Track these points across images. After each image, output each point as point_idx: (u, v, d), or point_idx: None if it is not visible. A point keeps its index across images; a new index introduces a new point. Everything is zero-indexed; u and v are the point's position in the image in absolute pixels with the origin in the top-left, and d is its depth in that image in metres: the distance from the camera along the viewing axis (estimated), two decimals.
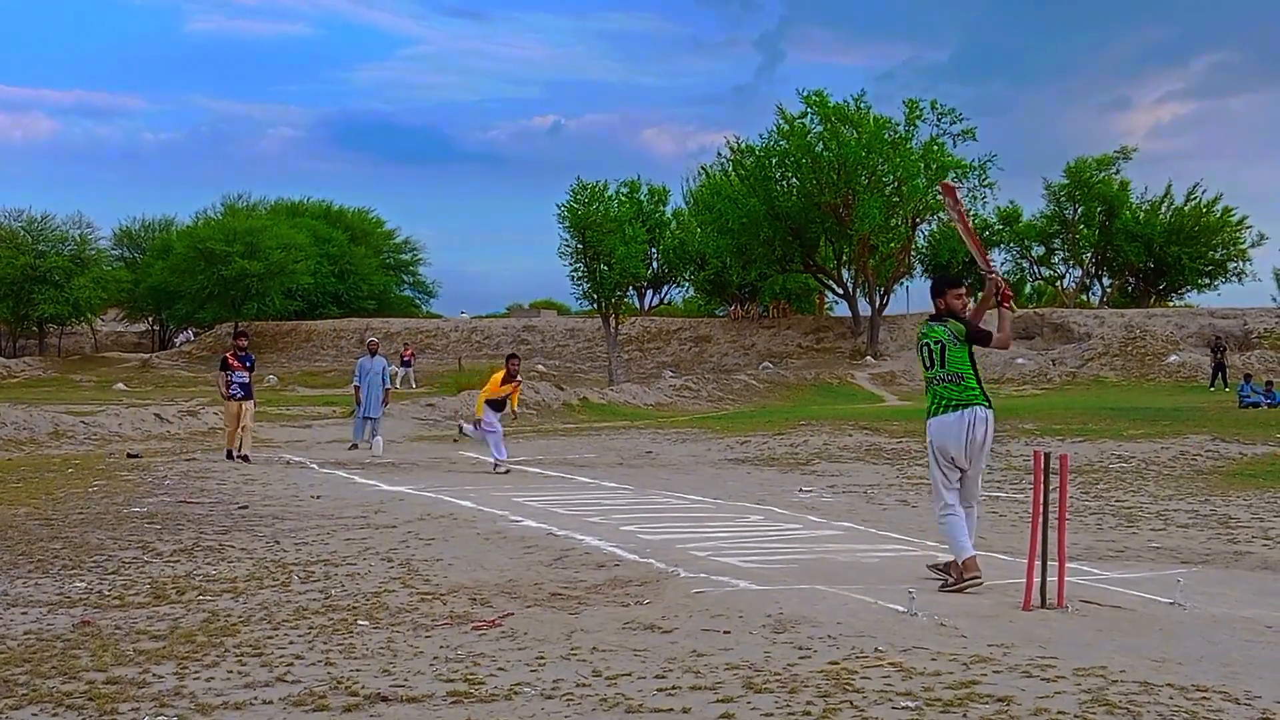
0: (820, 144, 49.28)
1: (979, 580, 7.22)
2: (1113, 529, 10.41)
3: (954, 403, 7.40)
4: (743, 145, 53.62)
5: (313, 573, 8.06)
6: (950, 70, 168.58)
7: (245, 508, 11.60)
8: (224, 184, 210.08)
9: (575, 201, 42.92)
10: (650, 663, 5.54)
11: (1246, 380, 30.01)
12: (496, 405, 16.06)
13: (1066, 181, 60.10)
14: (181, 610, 6.81)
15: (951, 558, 7.43)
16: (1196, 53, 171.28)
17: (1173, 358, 42.87)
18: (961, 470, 7.48)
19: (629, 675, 5.31)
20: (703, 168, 61.66)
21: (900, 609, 6.53)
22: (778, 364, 48.55)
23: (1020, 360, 42.93)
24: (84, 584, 7.60)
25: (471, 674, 5.35)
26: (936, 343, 7.46)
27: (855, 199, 48.17)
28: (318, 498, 12.54)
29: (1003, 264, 63.61)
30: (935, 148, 49.68)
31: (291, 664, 5.55)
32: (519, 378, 16.54)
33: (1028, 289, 69.07)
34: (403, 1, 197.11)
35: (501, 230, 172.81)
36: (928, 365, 7.54)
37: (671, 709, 4.79)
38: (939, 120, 50.15)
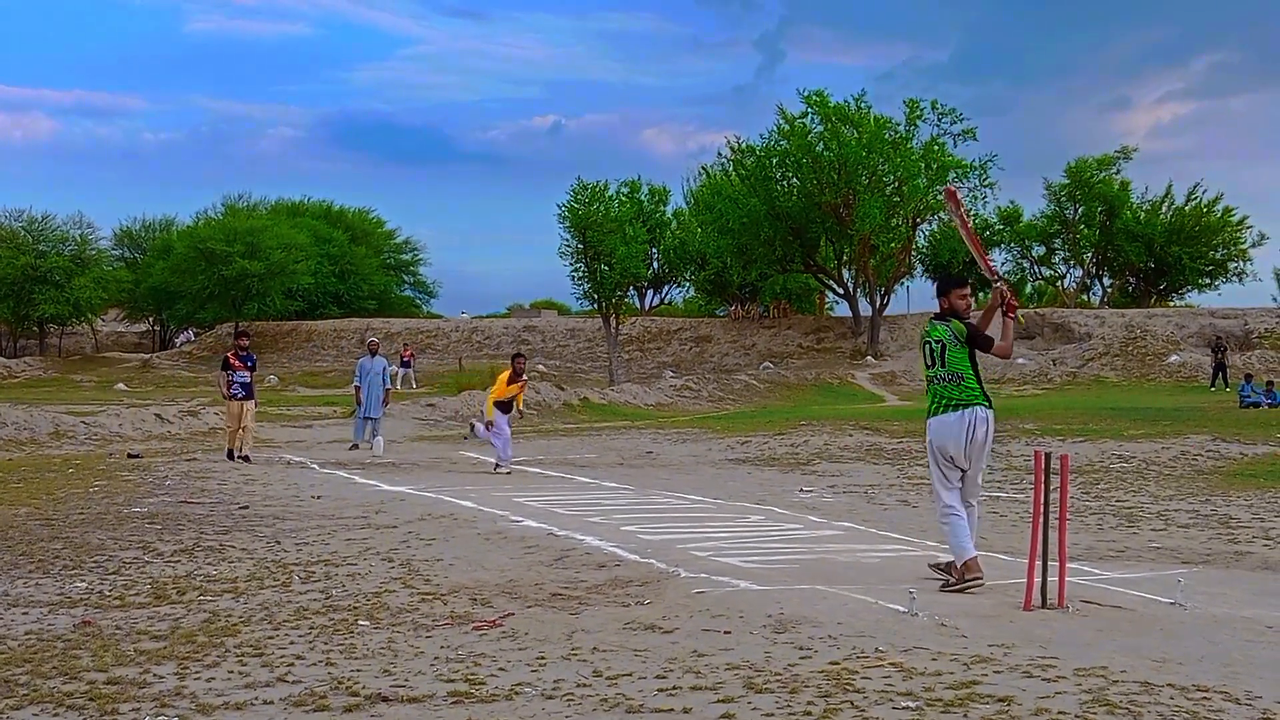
0: (821, 144, 49.26)
1: (980, 581, 7.22)
2: (1113, 529, 10.42)
3: (954, 402, 7.40)
4: (743, 145, 53.61)
5: (313, 573, 8.06)
6: (950, 70, 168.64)
7: (246, 508, 11.60)
8: (224, 184, 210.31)
9: (575, 201, 42.91)
10: (651, 663, 5.54)
11: (1247, 380, 30.01)
12: (504, 406, 16.04)
13: (1067, 181, 60.08)
14: (182, 610, 6.81)
15: (952, 557, 7.43)
16: (1196, 53, 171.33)
17: (1173, 358, 42.87)
18: (962, 470, 7.48)
19: (630, 675, 5.31)
20: (703, 168, 61.74)
21: (901, 609, 6.53)
22: (778, 364, 48.55)
23: (1021, 360, 42.92)
24: (85, 584, 7.61)
25: (472, 674, 5.35)
26: (938, 342, 7.47)
27: (856, 199, 48.16)
28: (318, 498, 12.54)
29: (1003, 264, 63.61)
30: (936, 148, 49.66)
31: (292, 664, 5.55)
32: (525, 376, 16.53)
33: (1028, 289, 69.02)
34: (403, 1, 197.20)
35: (501, 230, 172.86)
36: (929, 364, 7.55)
37: (672, 709, 4.79)
38: (939, 120, 50.17)
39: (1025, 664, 5.46)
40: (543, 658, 5.65)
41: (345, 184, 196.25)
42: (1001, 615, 6.58)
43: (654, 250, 57.94)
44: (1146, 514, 11.29)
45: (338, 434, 22.32)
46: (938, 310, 7.65)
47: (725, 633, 6.15)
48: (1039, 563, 6.74)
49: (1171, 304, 60.64)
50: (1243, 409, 26.64)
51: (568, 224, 43.04)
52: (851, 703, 4.85)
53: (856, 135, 48.53)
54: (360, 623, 6.47)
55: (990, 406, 7.47)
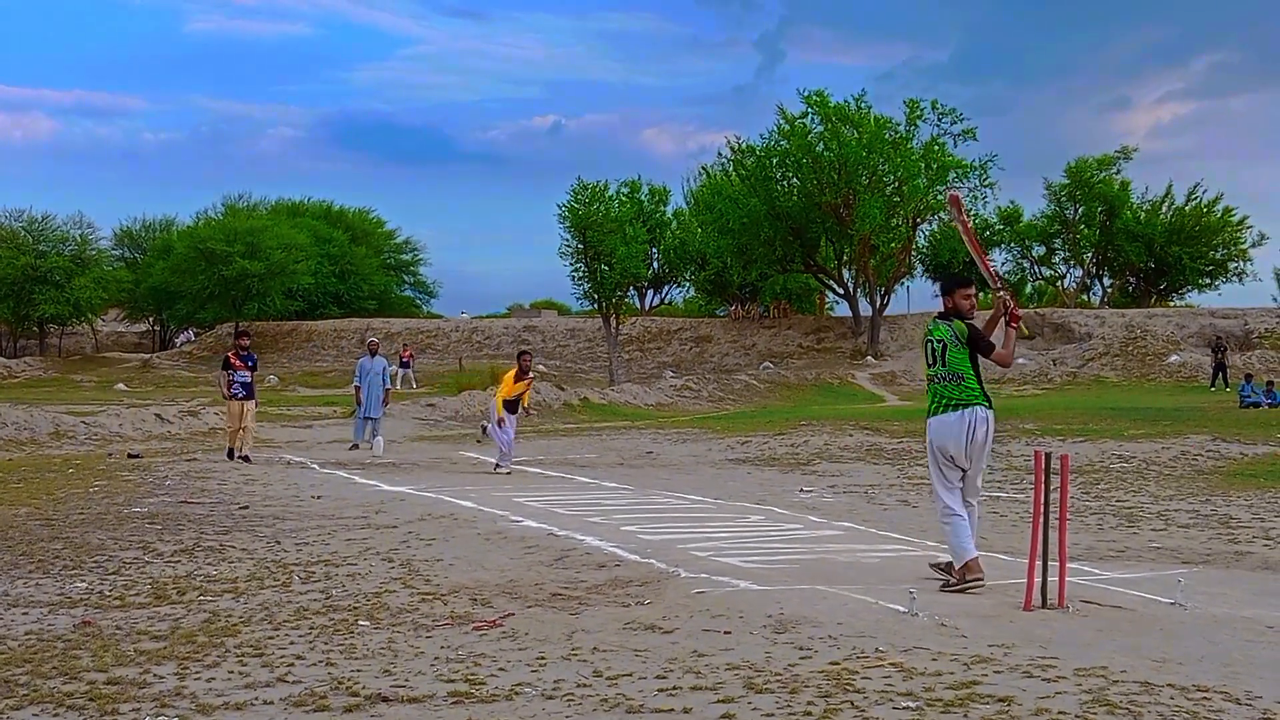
0: (821, 144, 49.26)
1: (981, 581, 7.22)
2: (1113, 529, 10.42)
3: (954, 402, 7.40)
4: (743, 145, 53.60)
5: (313, 573, 8.06)
6: (950, 70, 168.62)
7: (246, 508, 11.60)
8: (224, 184, 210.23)
9: (576, 201, 42.91)
10: (651, 663, 5.54)
11: (1247, 380, 30.01)
12: (511, 406, 16.02)
13: (1067, 181, 60.07)
14: (182, 610, 6.81)
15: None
16: (1196, 53, 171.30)
17: (1173, 358, 42.88)
18: (962, 470, 7.47)
19: (630, 675, 5.31)
20: (703, 168, 61.73)
21: (901, 609, 6.53)
22: (778, 364, 48.55)
23: (1021, 360, 42.91)
24: (85, 584, 7.61)
25: (472, 674, 5.35)
26: (939, 341, 7.47)
27: (856, 199, 48.16)
28: (318, 498, 12.54)
29: (1003, 264, 63.62)
30: (936, 148, 49.65)
31: (292, 664, 5.55)
32: (531, 374, 16.54)
33: (1028, 289, 69.03)
34: (403, 1, 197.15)
35: (501, 230, 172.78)
36: (929, 363, 7.55)
37: (672, 709, 4.79)
38: (939, 120, 50.15)
39: (1025, 664, 5.46)
40: (543, 658, 5.65)
41: (345, 184, 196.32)
42: (1002, 615, 6.58)
43: (654, 250, 57.94)
44: (1146, 514, 11.29)
45: (338, 434, 22.32)
46: (941, 309, 7.64)
47: (725, 633, 6.15)
48: (1039, 563, 6.74)
49: (1171, 304, 60.64)
50: (1243, 409, 26.64)
51: (568, 224, 43.05)
52: (851, 703, 4.85)
53: (856, 135, 48.53)
54: (360, 623, 6.47)
55: (990, 407, 7.47)
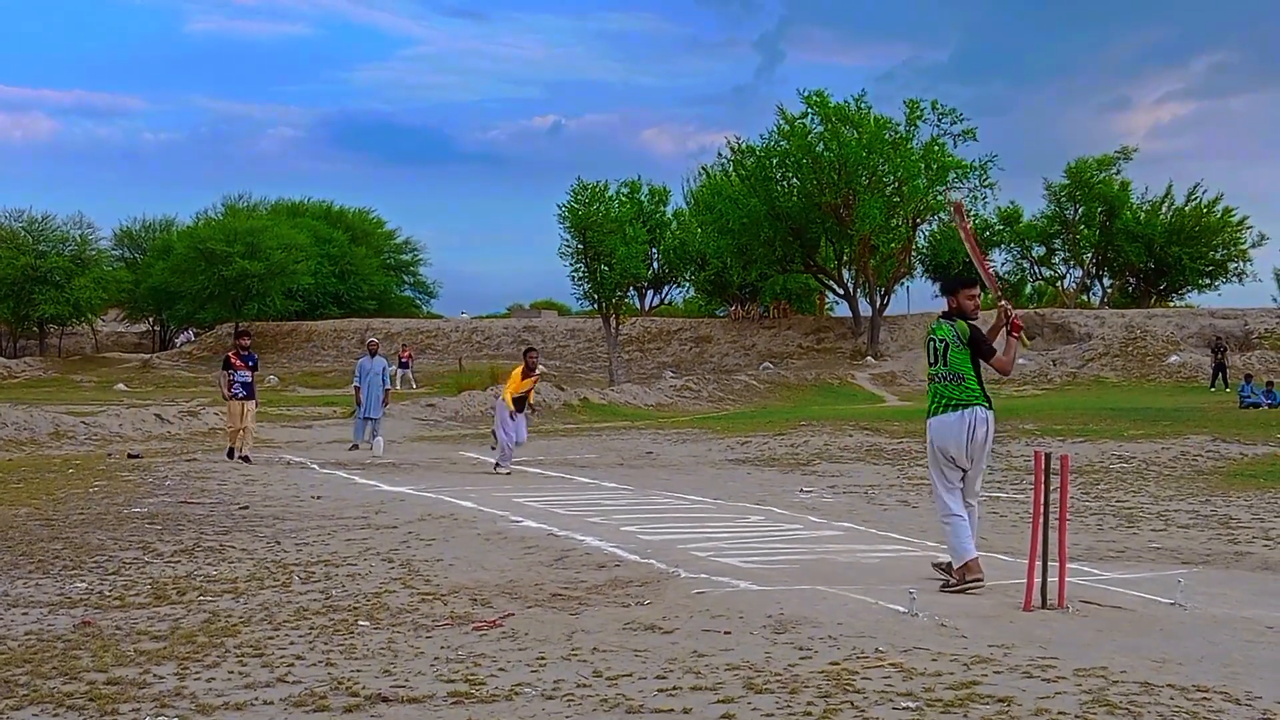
0: (821, 144, 49.26)
1: (981, 582, 7.22)
2: (1113, 529, 10.41)
3: (954, 402, 7.40)
4: (743, 145, 53.60)
5: (313, 573, 8.06)
6: (950, 70, 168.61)
7: (246, 508, 11.60)
8: (224, 184, 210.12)
9: (575, 202, 42.93)
10: (651, 663, 5.54)
11: (1247, 381, 30.02)
12: (518, 403, 16.03)
13: (1067, 182, 60.09)
14: (182, 611, 6.81)
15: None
16: (1196, 53, 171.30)
17: (1173, 358, 42.89)
18: (962, 470, 7.48)
19: (630, 676, 5.31)
20: (703, 168, 61.75)
21: (901, 609, 6.54)
22: (778, 364, 48.56)
23: (1020, 361, 42.92)
24: (85, 584, 7.61)
25: (472, 674, 5.35)
26: (941, 341, 7.48)
27: (856, 199, 48.16)
28: (318, 498, 12.54)
29: (1003, 264, 63.70)
30: (936, 148, 49.66)
31: (292, 664, 5.55)
32: (538, 371, 16.57)
33: (1028, 289, 69.06)
34: (403, 2, 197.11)
35: (501, 230, 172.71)
36: (931, 362, 7.56)
37: (672, 709, 4.79)
38: (939, 120, 50.14)
39: (1025, 664, 5.46)
40: (543, 658, 5.65)
41: (345, 184, 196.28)
42: (1001, 616, 6.58)
43: (654, 250, 57.95)
44: (1146, 514, 11.30)
45: (337, 434, 22.32)
46: (945, 309, 7.66)
47: (725, 633, 6.15)
48: (1039, 563, 6.74)
49: (1171, 304, 60.64)
50: (1242, 409, 26.65)
51: (568, 224, 43.07)
52: (851, 703, 4.85)
53: (856, 135, 48.53)
54: (360, 623, 6.47)
55: (990, 407, 7.47)
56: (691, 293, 67.08)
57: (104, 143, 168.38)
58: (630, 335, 53.66)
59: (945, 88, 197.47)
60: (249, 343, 17.77)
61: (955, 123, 50.20)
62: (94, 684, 5.19)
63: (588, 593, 7.36)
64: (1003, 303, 7.58)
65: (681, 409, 32.67)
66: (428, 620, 6.55)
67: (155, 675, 5.35)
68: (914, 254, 56.23)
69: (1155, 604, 6.93)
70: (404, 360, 43.70)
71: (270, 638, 6.10)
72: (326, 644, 5.96)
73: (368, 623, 6.48)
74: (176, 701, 4.94)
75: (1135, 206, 60.32)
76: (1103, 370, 42.81)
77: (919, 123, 49.94)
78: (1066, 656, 5.60)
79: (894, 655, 5.62)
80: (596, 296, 43.98)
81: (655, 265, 60.34)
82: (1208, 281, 60.93)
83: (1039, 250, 63.83)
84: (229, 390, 16.91)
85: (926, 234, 56.62)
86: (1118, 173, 59.66)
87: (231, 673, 5.40)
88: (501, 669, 5.46)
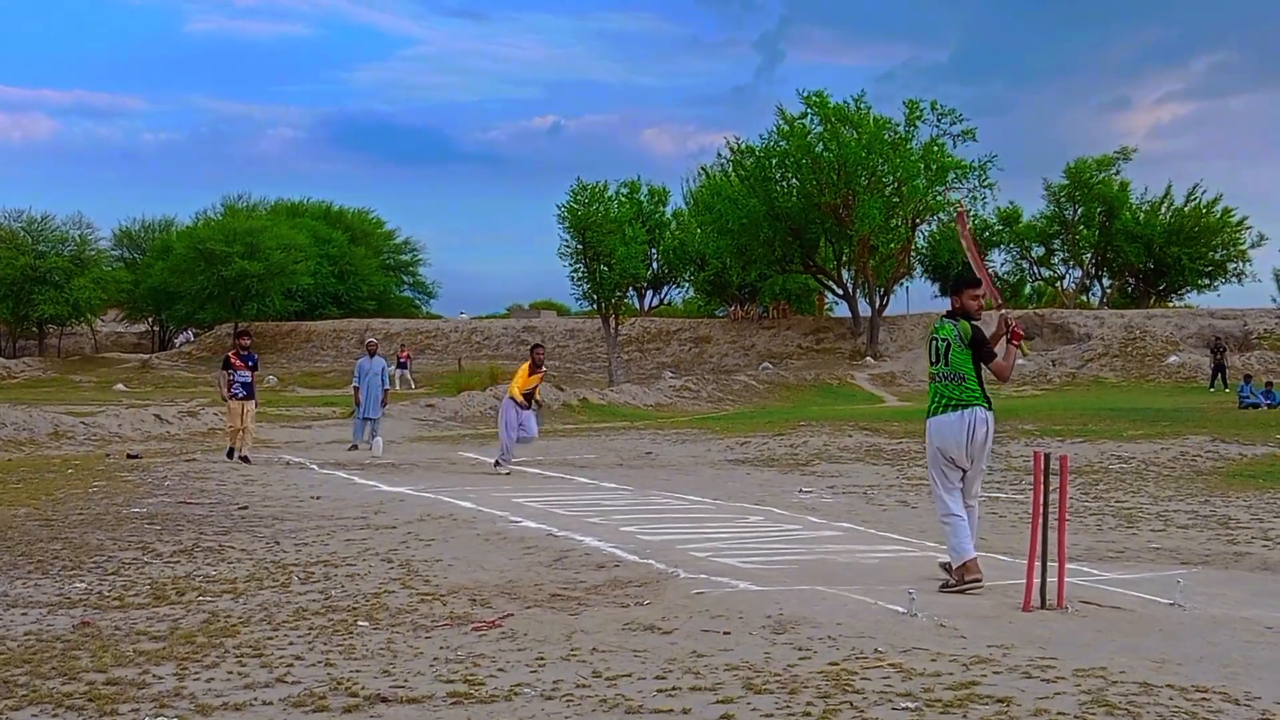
0: (820, 144, 49.26)
1: (979, 582, 7.23)
2: (1112, 530, 10.42)
3: (954, 402, 7.41)
4: (742, 146, 53.59)
5: (312, 573, 8.06)
6: (950, 70, 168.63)
7: (245, 508, 11.60)
8: (224, 184, 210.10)
9: (575, 202, 42.93)
10: (650, 663, 5.54)
11: (1246, 381, 30.03)
12: (525, 399, 16.05)
13: (1066, 182, 60.10)
14: (181, 611, 6.81)
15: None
16: (1196, 53, 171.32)
17: (1172, 358, 42.90)
18: (962, 470, 7.48)
19: (629, 676, 5.31)
20: (702, 168, 61.71)
21: (900, 610, 6.54)
22: (777, 365, 48.56)
23: (1020, 361, 42.91)
24: (84, 585, 7.60)
25: (471, 675, 5.35)
26: (943, 340, 7.49)
27: (855, 199, 48.16)
28: (317, 498, 12.54)
29: (1002, 264, 63.74)
30: (935, 148, 49.67)
31: (291, 665, 5.55)
32: (544, 367, 16.61)
33: (1027, 289, 69.09)
34: (403, 2, 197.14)
35: (501, 230, 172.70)
36: (932, 361, 7.58)
37: (671, 710, 4.79)
38: (939, 121, 50.15)
39: (1024, 665, 5.47)
40: (542, 658, 5.65)
41: (345, 184, 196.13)
42: (1001, 616, 6.58)
43: (653, 251, 57.95)
44: (1146, 515, 11.30)
45: (337, 434, 22.32)
46: (949, 309, 7.68)
47: (724, 633, 6.15)
48: (1038, 563, 6.75)
49: (1171, 305, 60.64)
50: (1242, 410, 26.65)
51: (567, 224, 43.07)
52: (851, 703, 4.85)
53: (856, 136, 48.54)
54: (359, 623, 6.47)
55: (990, 408, 7.48)
56: (691, 293, 67.09)
57: (104, 143, 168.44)
58: (629, 335, 53.66)
59: (945, 88, 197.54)
60: (249, 343, 17.75)
61: (955, 123, 50.26)
62: (93, 684, 5.19)
63: (587, 593, 7.36)
64: (1004, 311, 7.61)
65: (681, 409, 32.67)
66: (427, 621, 6.55)
67: (154, 675, 5.35)
68: (913, 254, 56.25)
69: (1154, 604, 6.94)
70: (402, 360, 43.69)
71: (269, 638, 6.10)
72: (326, 644, 5.96)
73: (367, 623, 6.48)
74: (176, 702, 4.94)
75: (1135, 207, 60.34)
76: (1102, 371, 42.82)
77: (918, 123, 49.99)
78: (1066, 657, 5.60)
79: (893, 656, 5.62)
80: (596, 297, 43.99)
81: (654, 265, 60.35)
82: (1207, 282, 60.96)
83: (1038, 250, 63.86)
84: (229, 390, 16.89)
85: (926, 234, 56.68)
86: (1117, 173, 59.73)
87: (231, 673, 5.40)
88: (501, 669, 5.46)
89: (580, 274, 43.55)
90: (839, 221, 49.20)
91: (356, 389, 19.86)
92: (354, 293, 70.00)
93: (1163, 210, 60.16)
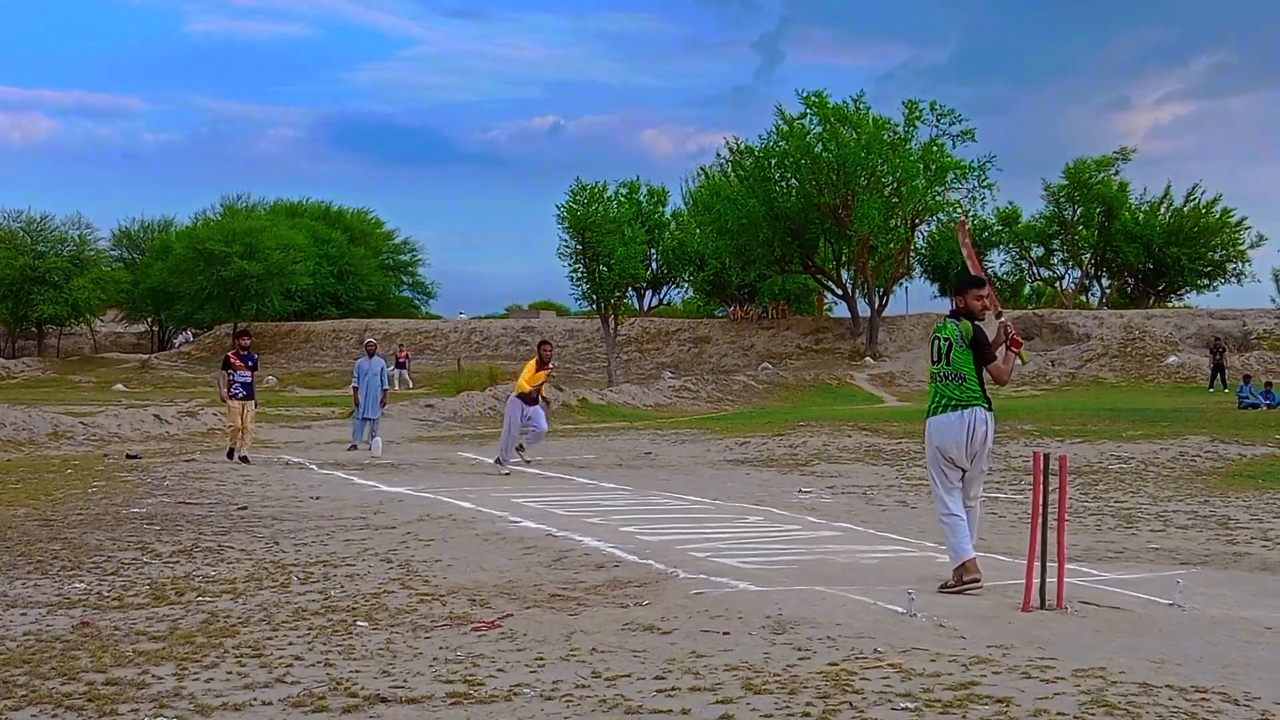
0: (819, 145, 49.28)
1: (978, 582, 7.23)
2: (1112, 530, 10.42)
3: (954, 402, 7.41)
4: (742, 146, 53.63)
5: (312, 574, 8.06)
6: (950, 70, 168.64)
7: (244, 509, 11.59)
8: (224, 184, 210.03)
9: (575, 202, 42.93)
10: (649, 664, 5.54)
11: (1245, 381, 30.05)
12: (530, 398, 16.07)
13: (1066, 182, 60.13)
14: (181, 611, 6.81)
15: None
16: (1196, 53, 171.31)
17: (1172, 359, 42.92)
18: (962, 470, 7.48)
19: (628, 676, 5.31)
20: (702, 168, 61.72)
21: (899, 610, 6.54)
22: (777, 365, 48.56)
23: (1019, 361, 42.91)
24: (83, 585, 7.60)
25: (471, 675, 5.35)
26: (945, 340, 7.50)
27: (854, 200, 48.17)
28: (317, 499, 12.53)
29: (1001, 265, 63.76)
30: (934, 149, 49.69)
31: (291, 665, 5.55)
32: (551, 365, 16.63)
33: (1026, 289, 69.12)
34: (402, 2, 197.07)
35: (501, 231, 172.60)
36: (934, 360, 7.59)
37: (671, 710, 4.79)
38: (938, 121, 50.19)
39: (1024, 665, 5.47)
40: (541, 659, 5.65)
41: (345, 185, 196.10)
42: (1000, 616, 6.58)
43: (653, 251, 57.98)
44: (1145, 515, 11.30)
45: (336, 435, 22.31)
46: (952, 309, 7.69)
47: (724, 634, 6.15)
48: (1038, 564, 6.75)
49: (1170, 305, 60.67)
50: (1241, 410, 26.66)
51: (566, 225, 43.07)
52: (850, 704, 4.85)
53: (855, 136, 48.56)
54: (359, 623, 6.47)
55: (990, 409, 7.49)
56: (690, 293, 67.10)
57: (103, 143, 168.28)
58: (629, 336, 53.66)
59: (945, 88, 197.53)
60: (249, 343, 17.74)
61: (954, 123, 50.30)
62: (93, 684, 5.18)
63: (586, 593, 7.36)
64: (1003, 320, 7.62)
65: (680, 409, 32.67)
66: (426, 621, 6.55)
67: (154, 676, 5.35)
68: (912, 255, 56.25)
69: (1154, 605, 6.94)
70: (400, 360, 43.69)
71: (269, 638, 6.10)
72: (325, 644, 5.96)
73: (366, 623, 6.48)
74: (175, 702, 4.94)
75: (1134, 207, 60.38)
76: (1101, 371, 42.83)
77: (917, 123, 50.02)
78: (1065, 657, 5.60)
79: (893, 656, 5.62)
80: (595, 297, 43.99)
81: (654, 266, 60.38)
82: (1206, 282, 60.99)
83: (1038, 251, 63.87)
84: (228, 390, 16.88)
85: (925, 235, 56.69)
86: (1116, 173, 59.77)
87: (230, 673, 5.40)
88: (500, 669, 5.46)
89: (579, 274, 43.56)
90: (838, 222, 49.22)
91: (355, 389, 19.86)
92: (353, 293, 70.00)
93: (1162, 210, 60.20)
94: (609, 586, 7.59)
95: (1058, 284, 64.88)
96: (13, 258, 59.11)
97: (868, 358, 48.49)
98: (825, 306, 62.86)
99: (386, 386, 20.32)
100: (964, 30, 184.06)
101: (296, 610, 6.82)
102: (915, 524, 10.62)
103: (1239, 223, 59.74)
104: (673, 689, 5.09)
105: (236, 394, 16.79)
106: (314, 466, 16.49)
